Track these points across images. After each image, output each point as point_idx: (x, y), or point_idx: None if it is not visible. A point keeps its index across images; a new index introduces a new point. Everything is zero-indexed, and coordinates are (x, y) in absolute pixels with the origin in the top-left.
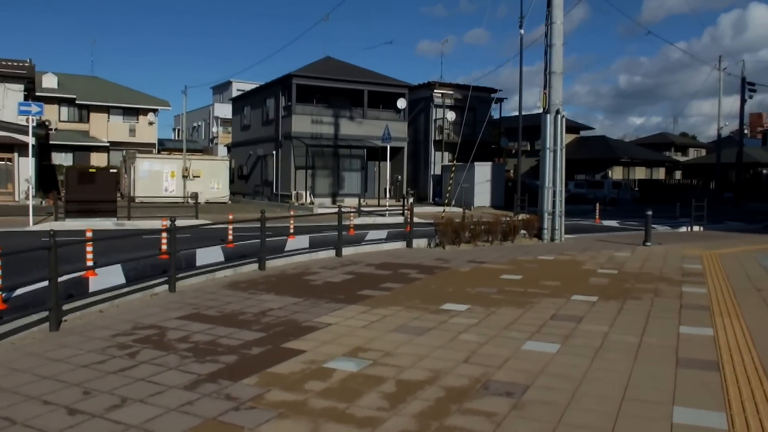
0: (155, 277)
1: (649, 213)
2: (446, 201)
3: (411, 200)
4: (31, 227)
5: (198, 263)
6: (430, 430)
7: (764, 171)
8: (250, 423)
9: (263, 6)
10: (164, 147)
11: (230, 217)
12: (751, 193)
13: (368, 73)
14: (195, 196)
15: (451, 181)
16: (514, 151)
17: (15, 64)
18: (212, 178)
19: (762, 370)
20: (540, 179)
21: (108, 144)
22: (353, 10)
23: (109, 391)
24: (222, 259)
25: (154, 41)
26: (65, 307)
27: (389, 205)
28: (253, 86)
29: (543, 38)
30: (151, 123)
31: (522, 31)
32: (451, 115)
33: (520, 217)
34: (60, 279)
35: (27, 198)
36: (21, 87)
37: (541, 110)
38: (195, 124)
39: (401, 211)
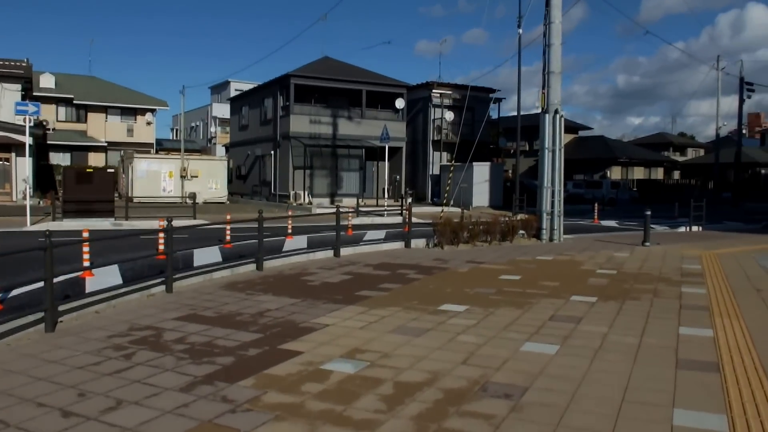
0: (152, 277)
1: (648, 213)
2: (444, 201)
3: (409, 200)
4: (29, 227)
5: (195, 263)
6: None
7: (762, 171)
8: (246, 426)
9: (261, 6)
10: (162, 147)
11: (228, 217)
12: (750, 193)
13: (366, 73)
14: (193, 196)
15: (449, 181)
16: (512, 151)
17: (12, 63)
18: (210, 178)
19: (762, 371)
20: (539, 179)
21: (106, 144)
22: (351, 9)
23: (105, 393)
24: (220, 259)
25: (152, 41)
26: (61, 308)
27: (387, 205)
28: (252, 86)
29: (541, 38)
30: (149, 123)
31: (520, 31)
32: (449, 115)
33: (519, 217)
34: (56, 279)
35: (24, 198)
36: (18, 87)
37: (539, 110)
38: (193, 124)
39: (399, 211)
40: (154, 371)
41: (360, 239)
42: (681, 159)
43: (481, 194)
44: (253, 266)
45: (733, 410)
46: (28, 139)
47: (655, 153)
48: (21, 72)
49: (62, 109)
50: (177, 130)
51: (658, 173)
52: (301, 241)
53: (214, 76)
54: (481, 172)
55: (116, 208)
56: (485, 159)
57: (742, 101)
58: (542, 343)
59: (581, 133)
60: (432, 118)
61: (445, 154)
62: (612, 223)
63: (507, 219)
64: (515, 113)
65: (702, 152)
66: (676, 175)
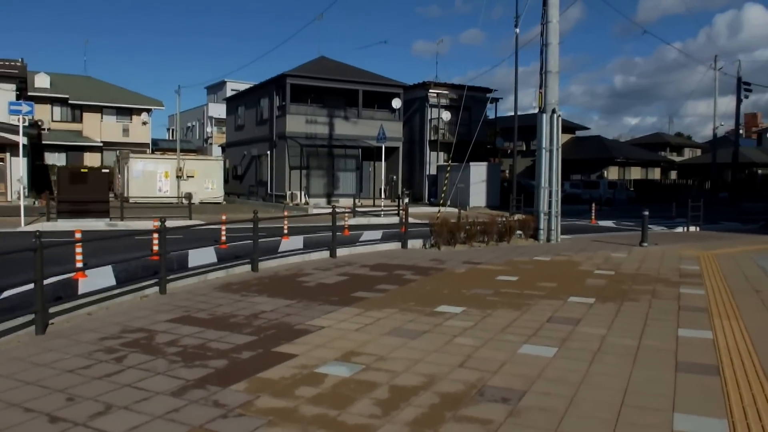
0: (146, 278)
1: (646, 213)
2: (441, 201)
3: (406, 200)
4: (23, 228)
5: (190, 264)
6: None
7: (759, 171)
8: (237, 431)
9: (257, 5)
10: (158, 147)
11: (223, 217)
12: (746, 193)
13: (363, 72)
14: (189, 196)
15: (446, 181)
16: (509, 151)
17: (6, 63)
18: (206, 179)
19: (763, 374)
20: (536, 179)
21: (101, 144)
22: (348, 9)
23: (94, 398)
24: (215, 260)
25: (148, 41)
26: (52, 310)
27: (384, 206)
28: (248, 86)
29: (538, 38)
30: (144, 123)
31: (517, 30)
32: (446, 115)
33: (516, 217)
34: (48, 281)
35: (19, 198)
36: (13, 87)
37: (536, 110)
38: (189, 124)
39: (396, 212)
40: (145, 375)
41: (356, 240)
42: (678, 159)
43: (478, 194)
44: (248, 267)
45: (734, 415)
46: (22, 139)
47: (652, 153)
48: (15, 72)
49: (57, 109)
50: (173, 130)
51: (655, 173)
52: (297, 241)
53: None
54: (478, 172)
55: (111, 209)
56: (482, 159)
57: (739, 101)
58: (540, 345)
59: (578, 133)
60: (429, 118)
61: (442, 154)
62: (609, 223)
63: (504, 219)
64: (512, 113)
65: (699, 152)
66: (673, 175)
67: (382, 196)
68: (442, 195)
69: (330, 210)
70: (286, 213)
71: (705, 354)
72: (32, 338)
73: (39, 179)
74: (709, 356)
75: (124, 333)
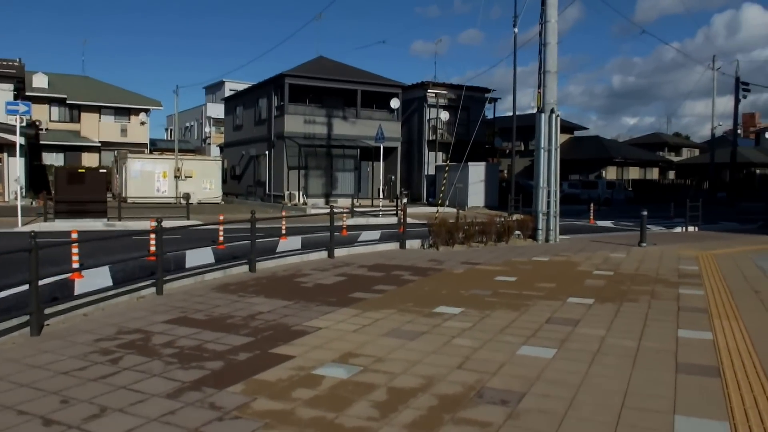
0: (143, 279)
1: (645, 213)
2: (440, 201)
3: (404, 200)
4: (20, 228)
5: (188, 265)
6: None
7: (757, 171)
8: None
9: (256, 5)
10: (156, 147)
11: (221, 217)
12: (745, 193)
13: (361, 72)
14: (187, 196)
15: (444, 182)
16: (508, 151)
17: (4, 63)
18: (204, 179)
19: (764, 375)
20: (534, 179)
21: (99, 144)
22: (346, 9)
23: (89, 400)
24: (212, 260)
25: (146, 41)
26: (48, 311)
27: (382, 206)
28: (246, 86)
29: (537, 38)
30: (142, 123)
31: (516, 30)
32: (444, 115)
33: (515, 217)
34: (45, 281)
35: (17, 198)
36: (10, 87)
37: (535, 110)
38: (187, 124)
39: (394, 212)
40: (141, 376)
41: (355, 240)
42: (676, 159)
43: (476, 194)
44: (245, 267)
45: (736, 417)
46: (19, 139)
47: (650, 153)
48: (13, 72)
49: (55, 109)
50: (171, 130)
51: (654, 173)
52: (295, 241)
53: (209, 76)
54: (477, 172)
55: (109, 209)
56: (481, 159)
57: (737, 101)
58: (539, 346)
59: (577, 133)
60: (427, 118)
61: (440, 154)
62: (608, 223)
63: (503, 219)
64: (511, 113)
65: (697, 152)
66: (672, 175)
67: (381, 196)
68: (441, 195)
69: (328, 210)
70: (284, 213)
71: (705, 355)
72: (27, 339)
73: (37, 179)
74: (709, 357)
75: (120, 334)
